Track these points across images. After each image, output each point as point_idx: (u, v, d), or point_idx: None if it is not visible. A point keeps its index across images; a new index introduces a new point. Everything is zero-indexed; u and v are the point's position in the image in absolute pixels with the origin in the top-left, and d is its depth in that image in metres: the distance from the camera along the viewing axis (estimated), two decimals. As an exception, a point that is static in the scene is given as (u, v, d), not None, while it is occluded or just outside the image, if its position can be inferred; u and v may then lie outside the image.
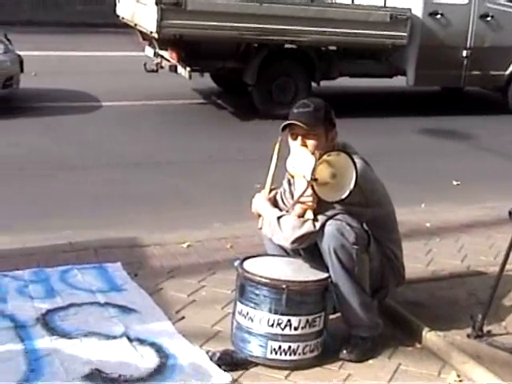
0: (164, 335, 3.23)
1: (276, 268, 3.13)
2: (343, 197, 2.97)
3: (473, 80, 9.85)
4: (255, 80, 8.72)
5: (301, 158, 3.08)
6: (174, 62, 8.59)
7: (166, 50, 8.68)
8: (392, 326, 3.44)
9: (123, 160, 6.65)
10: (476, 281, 3.98)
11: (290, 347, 3.01)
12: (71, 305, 3.47)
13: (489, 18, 9.55)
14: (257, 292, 3.01)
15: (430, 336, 3.30)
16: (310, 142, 3.11)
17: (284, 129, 3.15)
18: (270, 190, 3.31)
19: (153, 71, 9.24)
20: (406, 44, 9.12)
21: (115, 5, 10.09)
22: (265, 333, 3.01)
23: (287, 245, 3.11)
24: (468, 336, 3.32)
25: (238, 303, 3.10)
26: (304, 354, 3.05)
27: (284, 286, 2.97)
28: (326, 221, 3.02)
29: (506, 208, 3.41)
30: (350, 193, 2.96)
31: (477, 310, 3.42)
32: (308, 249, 3.18)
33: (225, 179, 6.22)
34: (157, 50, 9.00)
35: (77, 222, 4.91)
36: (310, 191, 2.99)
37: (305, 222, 3.04)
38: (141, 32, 9.13)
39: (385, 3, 9.60)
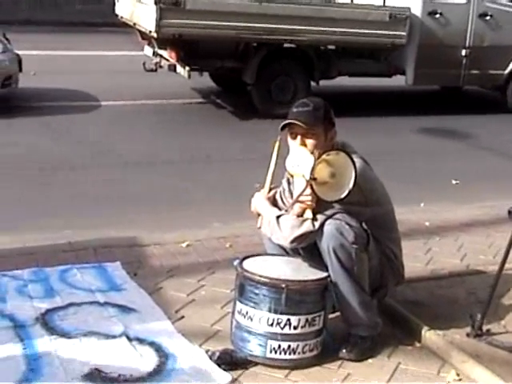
0: (163, 334, 3.22)
1: (275, 267, 3.13)
2: (342, 196, 2.97)
3: (472, 79, 9.85)
4: (254, 79, 8.72)
5: (300, 158, 3.08)
6: (173, 61, 8.59)
7: (165, 49, 8.68)
8: (391, 325, 3.44)
9: (122, 159, 6.65)
10: (475, 280, 3.99)
11: (289, 346, 3.01)
12: (70, 304, 3.47)
13: (488, 17, 9.55)
14: (256, 291, 3.01)
15: (429, 335, 3.30)
16: (310, 142, 3.11)
17: (283, 128, 3.15)
18: (270, 190, 3.30)
19: (152, 70, 9.24)
20: (405, 43, 9.13)
21: (114, 4, 10.09)
22: (264, 332, 3.01)
23: (286, 244, 3.11)
24: (467, 335, 3.32)
25: (238, 302, 3.10)
26: (303, 353, 3.05)
27: (283, 286, 2.97)
28: (325, 220, 3.02)
29: (506, 207, 3.42)
30: (349, 192, 2.96)
31: (476, 308, 3.42)
32: (307, 248, 3.18)
33: (224, 178, 6.22)
34: (156, 49, 9.00)
35: (76, 222, 4.92)
36: (309, 190, 2.99)
37: (304, 221, 3.04)
38: (140, 31, 9.12)
39: (384, 2, 9.60)
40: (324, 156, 2.98)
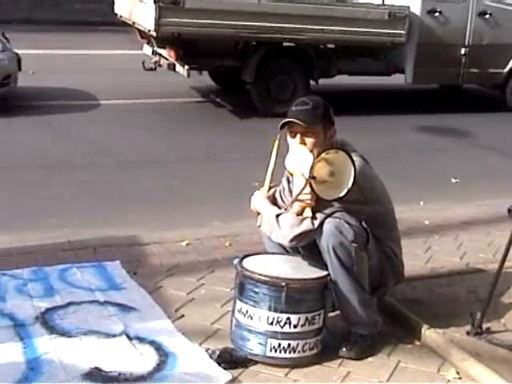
0: (163, 333, 3.22)
1: (275, 266, 3.13)
2: (341, 195, 2.97)
3: (471, 78, 9.85)
4: (253, 78, 8.71)
5: (299, 156, 3.08)
6: (172, 60, 8.58)
7: (165, 48, 8.68)
8: (391, 324, 3.44)
9: (122, 158, 6.64)
10: (475, 278, 3.99)
11: (289, 345, 3.01)
12: (70, 303, 3.47)
13: (487, 16, 9.55)
14: (256, 290, 3.01)
15: (429, 333, 3.30)
16: (309, 140, 3.11)
17: (283, 127, 3.15)
18: (269, 188, 3.30)
19: (151, 69, 9.23)
20: (404, 42, 9.12)
21: (113, 3, 10.08)
22: (264, 331, 3.01)
23: (286, 243, 3.12)
24: (467, 333, 3.32)
25: (238, 301, 3.10)
26: (303, 351, 3.05)
27: (283, 284, 2.97)
28: (325, 219, 3.02)
29: (505, 205, 3.42)
30: (349, 191, 2.96)
31: (476, 307, 3.42)
32: (307, 247, 3.18)
33: (223, 177, 6.21)
34: (155, 48, 8.99)
35: (76, 221, 4.92)
36: (308, 189, 2.99)
37: (303, 220, 3.04)
38: (139, 30, 9.12)
39: (383, 1, 9.59)
40: (323, 155, 2.98)
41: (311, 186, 2.97)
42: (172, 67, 8.63)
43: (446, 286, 3.88)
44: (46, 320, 3.29)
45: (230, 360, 3.03)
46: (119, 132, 7.64)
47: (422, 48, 9.24)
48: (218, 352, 3.06)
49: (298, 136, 3.12)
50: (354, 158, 3.00)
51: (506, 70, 9.86)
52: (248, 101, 8.97)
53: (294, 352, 3.03)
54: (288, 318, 2.99)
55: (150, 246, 4.31)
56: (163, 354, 3.06)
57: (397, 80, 9.88)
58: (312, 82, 9.15)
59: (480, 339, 3.28)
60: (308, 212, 3.05)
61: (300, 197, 3.04)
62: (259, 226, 3.23)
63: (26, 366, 2.90)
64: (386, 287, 3.36)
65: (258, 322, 3.01)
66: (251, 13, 8.34)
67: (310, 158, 2.98)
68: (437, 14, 9.28)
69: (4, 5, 16.37)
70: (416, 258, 4.25)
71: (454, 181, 6.46)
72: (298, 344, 3.02)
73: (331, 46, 9.37)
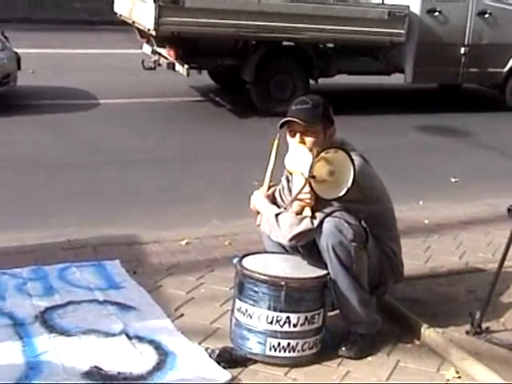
0: (163, 332, 3.23)
1: (275, 265, 3.14)
2: (341, 194, 2.97)
3: (471, 77, 9.84)
4: (253, 77, 8.70)
5: (299, 155, 3.08)
6: (171, 59, 8.58)
7: (164, 47, 8.67)
8: (391, 323, 3.44)
9: (121, 157, 6.64)
10: (474, 277, 3.99)
11: (289, 344, 3.01)
12: (70, 302, 3.47)
13: (487, 15, 9.54)
14: (256, 289, 3.01)
15: (428, 333, 3.31)
16: (309, 139, 3.11)
17: (282, 126, 3.15)
18: (269, 187, 3.31)
19: (151, 69, 9.22)
20: (403, 41, 9.11)
21: (113, 2, 10.06)
22: (264, 330, 3.01)
23: (285, 242, 3.12)
24: (467, 333, 3.32)
25: (237, 300, 3.10)
26: (303, 350, 3.05)
27: (283, 283, 2.97)
28: (324, 218, 3.02)
29: (505, 205, 3.42)
30: (348, 190, 2.96)
31: (475, 306, 3.43)
32: (306, 246, 3.18)
33: (223, 176, 6.21)
34: (155, 47, 8.99)
35: (75, 220, 4.92)
36: (307, 188, 2.99)
37: (303, 219, 3.04)
38: (139, 29, 9.11)
39: (383, 1, 9.59)
40: (323, 154, 2.98)
41: (311, 186, 2.97)
42: (171, 66, 8.62)
43: (446, 285, 3.88)
44: (45, 319, 3.29)
45: (230, 359, 3.03)
46: (118, 131, 7.63)
47: (422, 47, 9.24)
48: (217, 351, 3.06)
49: (298, 135, 3.12)
50: (354, 157, 3.00)
51: (506, 69, 9.86)
52: (247, 100, 8.97)
53: (294, 351, 3.03)
54: (287, 317, 2.99)
55: (149, 245, 4.31)
56: (163, 353, 3.06)
57: (396, 79, 9.88)
58: (311, 82, 9.15)
59: (479, 339, 3.29)
60: (307, 211, 3.05)
61: (299, 196, 3.04)
62: (259, 225, 3.23)
63: (26, 365, 2.90)
64: (386, 286, 3.36)
65: (258, 321, 3.01)
66: (251, 12, 8.34)
67: (310, 158, 2.98)
68: (436, 14, 9.27)
69: (3, 4, 16.34)
70: (415, 257, 4.26)
71: (453, 180, 6.46)
72: (297, 343, 3.02)
73: (331, 45, 9.37)
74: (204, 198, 5.64)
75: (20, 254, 4.05)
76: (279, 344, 3.01)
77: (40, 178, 5.92)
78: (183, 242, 4.38)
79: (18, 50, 8.74)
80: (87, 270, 3.86)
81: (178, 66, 8.50)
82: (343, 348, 3.15)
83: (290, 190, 3.25)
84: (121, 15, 9.66)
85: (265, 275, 3.01)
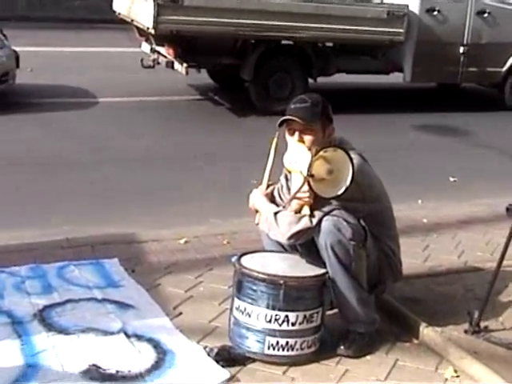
0: (161, 331, 3.22)
1: (273, 264, 3.14)
2: (339, 193, 2.97)
3: (470, 76, 9.85)
4: (252, 76, 8.70)
5: (298, 154, 3.08)
6: (170, 57, 8.57)
7: (163, 45, 8.67)
8: (389, 322, 3.44)
9: (120, 156, 6.64)
10: (473, 276, 3.99)
11: (287, 343, 3.01)
12: (68, 301, 3.47)
13: (486, 15, 9.55)
14: (254, 288, 3.01)
15: (427, 332, 3.30)
16: (307, 138, 3.11)
17: (281, 124, 3.15)
18: (268, 186, 3.30)
19: (149, 67, 9.22)
20: (403, 40, 9.12)
21: (112, 0, 10.06)
22: (262, 328, 3.01)
23: (284, 240, 3.12)
24: (465, 332, 3.32)
25: (236, 299, 3.10)
26: (302, 349, 3.05)
27: (281, 282, 2.97)
28: (323, 216, 3.02)
29: (503, 204, 3.43)
30: (347, 189, 2.96)
31: (474, 305, 3.43)
32: (305, 244, 3.18)
33: (222, 175, 6.21)
34: (153, 45, 8.98)
35: (74, 218, 4.91)
36: (306, 187, 2.99)
37: (301, 217, 3.04)
38: (137, 28, 9.10)
39: (382, 0, 9.60)
40: (321, 152, 2.98)
41: (309, 184, 2.97)
42: (170, 65, 8.61)
43: (444, 284, 3.88)
44: (43, 317, 3.28)
45: (228, 358, 3.03)
46: (117, 129, 7.63)
47: (421, 46, 9.24)
48: (216, 350, 3.06)
49: (297, 134, 3.12)
50: (353, 156, 3.00)
51: (505, 68, 9.87)
52: (246, 99, 8.96)
53: (292, 350, 3.03)
54: (286, 316, 2.99)
55: (148, 244, 4.31)
56: (161, 352, 3.05)
57: (395, 78, 9.88)
58: (310, 81, 9.15)
59: (478, 337, 3.29)
60: (306, 210, 3.05)
61: (298, 195, 3.03)
62: (257, 224, 3.23)
63: (24, 364, 2.89)
64: (384, 285, 3.36)
65: (256, 320, 3.01)
66: (250, 11, 8.33)
67: (309, 156, 2.98)
68: (435, 13, 9.27)
69: (2, 2, 16.33)
70: (414, 256, 4.26)
71: (452, 179, 6.46)
72: (296, 342, 3.02)
73: (330, 44, 9.37)
74: (203, 196, 5.64)
75: (18, 252, 4.05)
76: (278, 343, 3.01)
77: (39, 175, 5.92)
78: (182, 241, 4.38)
79: (17, 48, 8.74)
80: (86, 269, 3.85)
81: (176, 65, 8.50)
82: (342, 347, 3.15)
83: (288, 189, 3.25)
84: (120, 13, 9.65)
85: (263, 274, 3.01)
